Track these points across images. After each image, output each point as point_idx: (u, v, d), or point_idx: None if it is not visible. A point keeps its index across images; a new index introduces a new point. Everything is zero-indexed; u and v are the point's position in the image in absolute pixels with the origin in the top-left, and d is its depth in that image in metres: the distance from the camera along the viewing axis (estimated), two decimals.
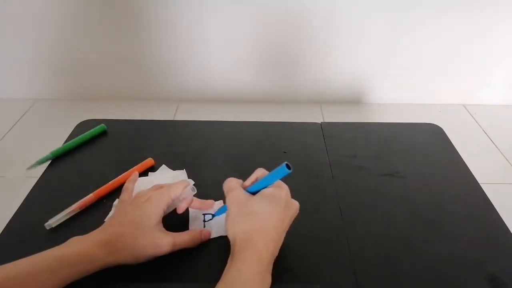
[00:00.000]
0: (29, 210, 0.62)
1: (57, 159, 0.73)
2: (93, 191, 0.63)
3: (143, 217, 0.51)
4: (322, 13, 1.94)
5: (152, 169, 0.70)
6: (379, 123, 0.90)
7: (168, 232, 0.53)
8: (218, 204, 0.62)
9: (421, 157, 0.76)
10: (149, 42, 2.03)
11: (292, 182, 0.68)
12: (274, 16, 1.95)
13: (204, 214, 0.60)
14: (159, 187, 0.57)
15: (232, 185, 0.54)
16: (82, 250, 0.47)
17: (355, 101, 2.20)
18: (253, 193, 0.53)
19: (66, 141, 0.77)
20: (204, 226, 0.58)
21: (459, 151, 0.77)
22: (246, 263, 0.46)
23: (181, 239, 0.53)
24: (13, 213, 0.61)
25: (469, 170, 0.72)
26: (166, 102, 2.14)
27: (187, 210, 0.59)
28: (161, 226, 0.53)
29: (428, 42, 2.01)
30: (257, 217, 0.49)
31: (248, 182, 0.55)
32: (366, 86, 2.16)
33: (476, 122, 2.07)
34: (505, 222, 0.61)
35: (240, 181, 0.56)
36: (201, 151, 0.75)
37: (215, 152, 0.75)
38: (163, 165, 0.70)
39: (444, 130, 0.84)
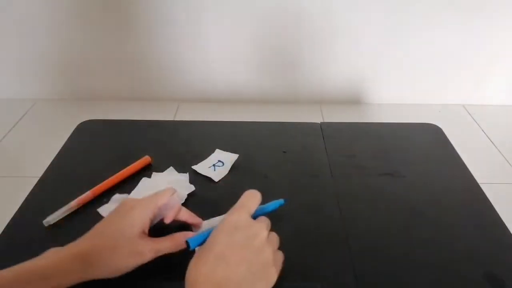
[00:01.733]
0: (29, 210, 0.62)
1: (57, 159, 0.73)
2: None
3: (126, 227, 0.48)
4: (322, 13, 1.94)
5: (150, 168, 0.70)
6: (378, 123, 0.90)
7: (150, 238, 0.50)
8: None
9: (421, 157, 0.76)
10: (150, 42, 2.03)
11: (292, 182, 0.68)
12: (275, 16, 1.95)
13: None
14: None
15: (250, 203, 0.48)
16: (56, 263, 0.45)
17: (355, 101, 2.20)
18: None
19: (65, 146, 0.77)
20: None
21: (458, 151, 0.77)
22: None
23: (164, 245, 0.50)
24: (13, 213, 0.61)
25: (468, 170, 0.72)
26: (166, 102, 2.14)
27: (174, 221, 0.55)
28: (144, 235, 0.50)
29: (428, 42, 2.02)
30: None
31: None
32: (366, 86, 2.17)
33: (476, 122, 2.07)
34: (505, 222, 0.61)
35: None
36: (201, 151, 0.75)
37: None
38: (171, 167, 0.70)
39: (444, 130, 0.84)
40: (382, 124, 0.88)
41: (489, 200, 0.66)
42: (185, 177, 0.68)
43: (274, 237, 0.47)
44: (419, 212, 0.63)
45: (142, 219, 0.50)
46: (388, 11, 1.93)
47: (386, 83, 2.16)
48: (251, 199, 0.48)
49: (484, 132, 1.99)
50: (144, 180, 0.67)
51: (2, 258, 0.53)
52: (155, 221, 0.53)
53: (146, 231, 0.51)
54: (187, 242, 0.46)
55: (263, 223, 0.46)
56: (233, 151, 0.74)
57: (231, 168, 0.70)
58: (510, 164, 1.78)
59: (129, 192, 0.64)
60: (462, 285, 0.52)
